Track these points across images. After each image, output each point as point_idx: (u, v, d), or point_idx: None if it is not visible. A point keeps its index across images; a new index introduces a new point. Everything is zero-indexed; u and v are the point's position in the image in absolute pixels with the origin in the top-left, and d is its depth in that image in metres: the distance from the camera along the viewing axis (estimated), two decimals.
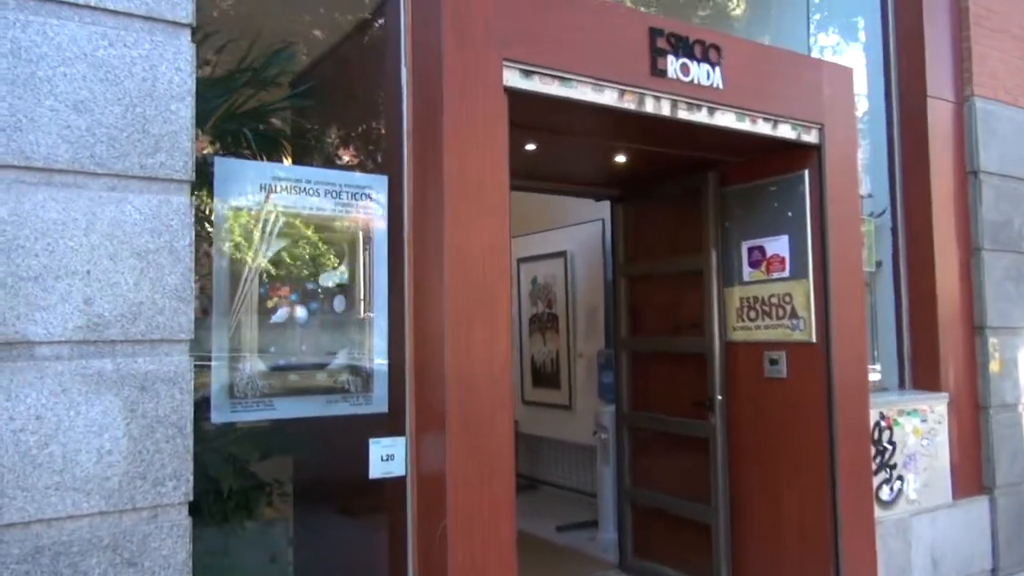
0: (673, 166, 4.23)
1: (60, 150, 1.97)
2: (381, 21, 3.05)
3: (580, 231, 6.48)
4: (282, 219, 2.53)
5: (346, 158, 3.23)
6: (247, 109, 3.08)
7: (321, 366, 2.61)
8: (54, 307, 1.93)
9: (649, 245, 4.64)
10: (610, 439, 5.45)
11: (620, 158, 4.09)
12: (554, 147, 3.88)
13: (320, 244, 2.61)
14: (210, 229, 2.50)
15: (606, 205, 5.15)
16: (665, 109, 3.17)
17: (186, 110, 2.14)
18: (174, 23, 2.13)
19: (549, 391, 6.83)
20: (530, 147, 3.79)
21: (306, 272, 2.59)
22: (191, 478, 2.10)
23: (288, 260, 2.55)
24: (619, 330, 4.77)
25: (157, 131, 2.09)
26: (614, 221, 4.86)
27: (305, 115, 3.27)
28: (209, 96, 2.96)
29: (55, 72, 1.97)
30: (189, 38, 2.16)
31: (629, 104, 3.07)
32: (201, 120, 2.90)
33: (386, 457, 2.66)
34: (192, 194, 2.15)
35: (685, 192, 4.32)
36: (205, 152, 2.76)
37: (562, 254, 6.69)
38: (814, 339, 3.66)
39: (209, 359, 2.39)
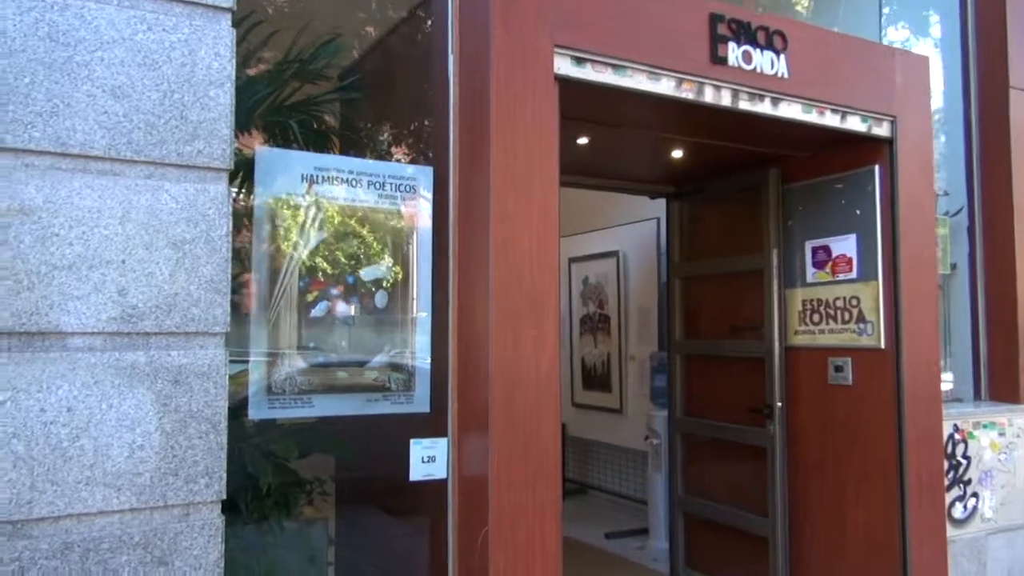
0: (732, 161, 4.05)
1: (96, 136, 1.92)
2: (429, 7, 2.96)
3: (633, 230, 6.32)
4: (324, 211, 2.45)
5: (392, 149, 3.15)
6: (294, 101, 3.04)
7: (362, 363, 2.53)
8: (87, 297, 1.88)
9: (706, 244, 4.46)
10: (662, 445, 5.30)
11: (677, 153, 3.92)
12: (607, 141, 3.73)
13: (363, 237, 2.53)
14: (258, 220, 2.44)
15: (661, 204, 4.98)
16: (725, 99, 3.00)
17: (225, 96, 2.08)
18: (214, 7, 2.06)
19: (599, 394, 6.68)
20: (582, 141, 3.65)
21: (348, 266, 2.51)
22: (224, 475, 2.04)
23: (329, 253, 2.47)
24: (673, 332, 4.60)
25: (195, 118, 2.03)
26: (669, 219, 4.68)
27: (352, 107, 3.20)
28: (256, 88, 2.93)
29: (92, 57, 1.92)
30: (229, 23, 2.09)
31: (687, 94, 2.91)
32: (247, 112, 2.88)
33: (427, 459, 2.56)
34: (234, 184, 2.09)
35: (745, 189, 4.13)
36: (249, 142, 2.70)
37: (614, 254, 6.53)
38: (883, 345, 3.44)
39: (247, 354, 2.33)
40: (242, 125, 2.71)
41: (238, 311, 2.31)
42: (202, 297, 2.01)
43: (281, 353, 2.37)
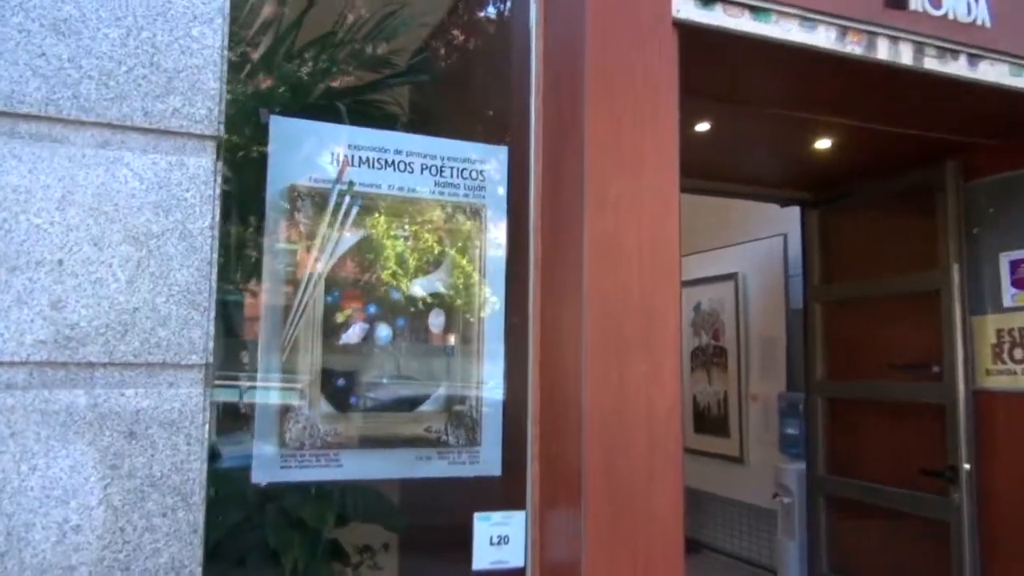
0: (892, 155, 3.22)
1: (29, 87, 1.37)
2: None
3: (754, 249, 5.48)
4: (360, 202, 1.84)
5: (455, 128, 2.55)
6: (343, 87, 2.51)
7: (409, 407, 1.88)
8: (7, 312, 1.32)
9: (855, 262, 3.62)
10: (795, 505, 4.41)
11: (822, 143, 3.13)
12: (732, 128, 3.01)
13: (413, 238, 1.90)
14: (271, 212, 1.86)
15: (787, 217, 4.19)
16: (905, 56, 2.23)
17: (215, 36, 1.50)
18: None
19: (715, 439, 5.81)
20: (701, 128, 2.93)
21: (392, 276, 1.88)
22: (199, 570, 1.42)
23: (367, 259, 1.85)
24: (812, 370, 3.76)
25: (171, 65, 1.47)
26: (805, 232, 3.87)
27: (415, 85, 2.62)
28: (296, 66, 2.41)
29: None
30: None
31: (854, 47, 2.16)
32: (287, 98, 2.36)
33: (497, 539, 1.88)
34: (220, 156, 1.51)
35: (908, 191, 3.30)
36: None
37: (732, 276, 5.69)
38: None
39: (251, 394, 1.73)
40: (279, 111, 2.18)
41: (236, 335, 1.72)
42: (173, 313, 1.42)
43: (298, 392, 1.76)
